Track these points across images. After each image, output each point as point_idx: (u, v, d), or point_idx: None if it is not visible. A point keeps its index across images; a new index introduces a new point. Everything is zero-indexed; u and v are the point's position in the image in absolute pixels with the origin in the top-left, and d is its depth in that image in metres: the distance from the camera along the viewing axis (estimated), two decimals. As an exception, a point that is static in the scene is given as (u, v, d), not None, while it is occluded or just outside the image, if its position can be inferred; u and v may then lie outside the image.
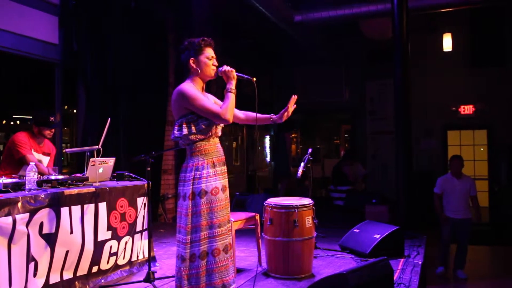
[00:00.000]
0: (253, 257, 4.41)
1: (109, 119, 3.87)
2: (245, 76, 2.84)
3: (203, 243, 2.67)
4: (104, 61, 5.83)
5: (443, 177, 6.07)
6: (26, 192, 3.03)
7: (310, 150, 4.49)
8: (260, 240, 4.06)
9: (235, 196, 7.04)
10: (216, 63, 2.83)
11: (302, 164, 4.43)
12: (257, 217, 3.99)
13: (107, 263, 3.61)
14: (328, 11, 7.53)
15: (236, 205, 6.79)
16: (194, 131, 2.71)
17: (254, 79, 2.87)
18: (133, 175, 4.04)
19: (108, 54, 5.88)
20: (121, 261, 3.76)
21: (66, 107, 6.56)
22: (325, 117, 12.32)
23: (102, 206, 3.55)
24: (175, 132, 2.74)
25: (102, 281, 3.55)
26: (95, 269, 3.50)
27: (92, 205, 3.45)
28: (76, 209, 3.30)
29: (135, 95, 6.21)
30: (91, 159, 3.61)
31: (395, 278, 3.53)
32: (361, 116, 10.98)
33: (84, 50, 5.65)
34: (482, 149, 10.30)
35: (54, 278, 3.15)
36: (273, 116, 3.05)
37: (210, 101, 2.77)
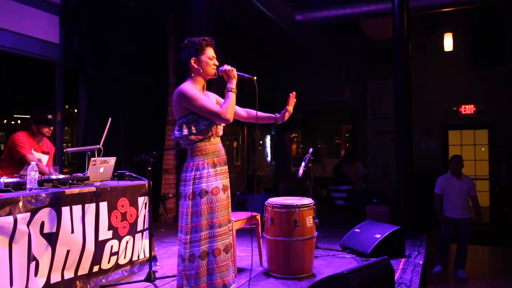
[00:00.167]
0: (254, 256, 4.40)
1: (110, 118, 3.88)
2: (246, 75, 2.84)
3: (203, 243, 2.67)
4: (104, 61, 5.84)
5: (442, 177, 6.06)
6: (27, 191, 3.03)
7: (311, 150, 4.49)
8: (261, 240, 4.06)
9: (236, 195, 7.05)
10: (217, 63, 2.83)
11: (303, 163, 4.42)
12: (258, 217, 3.99)
13: (108, 262, 3.62)
14: (329, 11, 7.54)
15: (236, 205, 6.80)
16: (194, 131, 2.71)
17: (255, 78, 2.87)
18: (134, 175, 4.04)
19: (108, 53, 5.88)
20: (122, 261, 3.76)
21: (67, 106, 6.55)
22: (326, 116, 12.29)
23: (103, 206, 3.55)
24: (176, 132, 2.75)
25: (103, 280, 3.55)
26: (96, 268, 3.50)
27: (93, 205, 3.46)
28: (77, 208, 3.30)
29: (136, 94, 6.22)
30: (92, 158, 3.61)
31: (396, 278, 3.52)
32: (362, 116, 10.96)
33: (84, 50, 5.66)
34: (483, 149, 10.28)
35: (55, 278, 3.15)
36: (277, 115, 3.06)
37: (210, 101, 2.77)
